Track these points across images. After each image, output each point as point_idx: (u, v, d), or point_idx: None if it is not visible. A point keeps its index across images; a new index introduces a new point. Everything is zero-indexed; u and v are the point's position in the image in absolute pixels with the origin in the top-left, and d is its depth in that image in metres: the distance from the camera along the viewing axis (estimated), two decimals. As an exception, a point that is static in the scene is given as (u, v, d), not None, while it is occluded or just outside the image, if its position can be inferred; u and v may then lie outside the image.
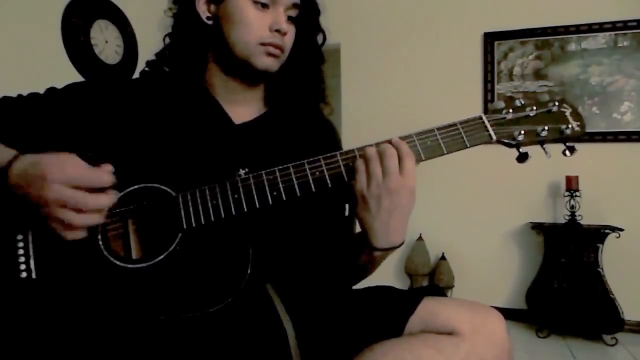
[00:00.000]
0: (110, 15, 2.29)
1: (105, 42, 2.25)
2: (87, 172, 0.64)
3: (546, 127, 0.71)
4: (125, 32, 2.37)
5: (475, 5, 2.91)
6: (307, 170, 0.70)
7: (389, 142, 0.71)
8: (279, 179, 0.70)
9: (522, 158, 0.72)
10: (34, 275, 0.69)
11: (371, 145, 0.71)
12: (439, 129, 0.72)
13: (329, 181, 0.70)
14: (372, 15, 3.11)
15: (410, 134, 0.72)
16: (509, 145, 0.73)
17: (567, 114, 0.72)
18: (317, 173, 0.70)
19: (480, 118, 0.73)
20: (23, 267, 0.69)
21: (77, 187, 0.63)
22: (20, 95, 0.83)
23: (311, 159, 0.71)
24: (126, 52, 2.37)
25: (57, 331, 0.66)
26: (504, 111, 0.72)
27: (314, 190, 0.70)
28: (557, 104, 0.72)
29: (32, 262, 0.69)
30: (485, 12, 2.89)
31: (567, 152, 0.72)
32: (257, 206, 0.69)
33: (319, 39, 0.91)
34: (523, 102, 0.73)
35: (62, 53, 2.06)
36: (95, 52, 2.18)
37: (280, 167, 0.71)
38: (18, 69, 1.76)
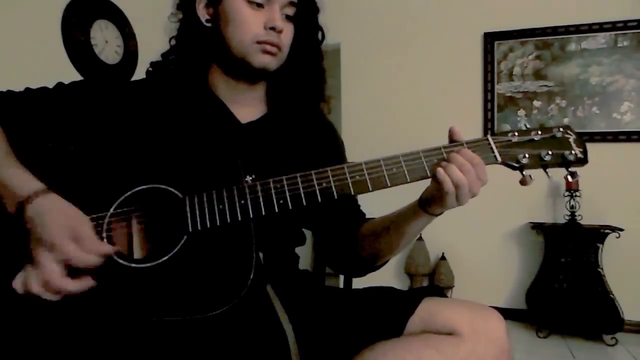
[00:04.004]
0: (110, 15, 2.28)
1: (105, 42, 2.25)
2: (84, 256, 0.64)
3: (550, 152, 0.72)
4: (125, 32, 2.37)
5: (475, 5, 2.91)
6: (314, 180, 0.71)
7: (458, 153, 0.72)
8: (286, 187, 0.70)
9: (525, 181, 0.73)
10: None
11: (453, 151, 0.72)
12: (445, 147, 0.73)
13: (335, 193, 0.71)
14: (372, 15, 3.11)
15: (417, 150, 0.72)
16: (513, 168, 0.74)
17: (571, 140, 0.73)
18: (324, 184, 0.71)
19: (487, 139, 0.74)
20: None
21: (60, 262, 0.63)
22: (28, 89, 0.83)
23: (319, 170, 0.71)
24: (126, 52, 2.37)
25: (57, 327, 0.66)
26: (509, 134, 0.74)
27: (320, 200, 0.70)
28: (561, 129, 0.74)
29: None
30: (485, 12, 2.89)
31: (569, 177, 0.74)
32: (263, 213, 0.69)
33: (318, 37, 0.92)
34: (528, 126, 0.75)
35: (62, 53, 2.06)
36: (95, 52, 2.18)
37: (288, 176, 0.71)
38: (18, 69, 1.76)
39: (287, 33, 0.85)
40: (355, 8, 3.10)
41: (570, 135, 0.74)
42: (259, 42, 0.81)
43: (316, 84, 0.92)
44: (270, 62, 0.83)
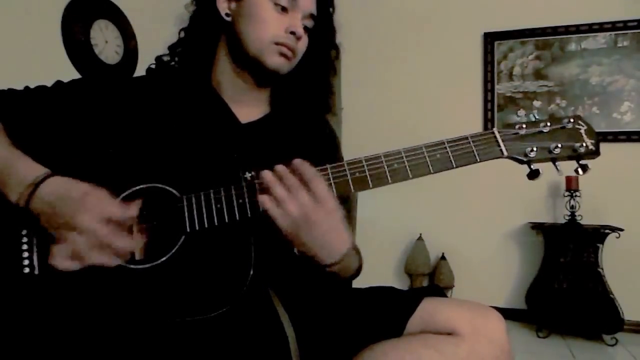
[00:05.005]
0: (110, 15, 2.28)
1: (105, 42, 2.25)
2: (119, 212, 0.66)
3: (559, 145, 0.69)
4: (125, 32, 2.36)
5: (475, 5, 2.91)
6: None
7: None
8: None
9: (533, 175, 0.70)
10: (36, 271, 0.68)
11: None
12: (449, 141, 0.70)
13: (334, 190, 0.69)
14: (372, 16, 3.11)
15: (419, 145, 0.70)
16: (520, 162, 0.71)
17: (582, 131, 0.70)
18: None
19: (493, 132, 0.71)
20: (26, 262, 0.69)
21: (108, 222, 0.65)
22: (27, 88, 0.83)
23: (318, 167, 0.70)
24: (126, 52, 2.37)
25: (56, 328, 0.66)
26: (517, 126, 0.71)
27: None
28: (572, 120, 0.70)
29: (35, 257, 0.69)
30: (485, 12, 2.89)
31: (580, 171, 0.70)
32: (262, 211, 0.69)
33: (332, 53, 0.94)
34: (537, 117, 0.71)
35: (62, 53, 2.06)
36: (95, 52, 2.18)
37: None
38: (18, 69, 1.76)
39: (303, 42, 0.87)
40: (355, 8, 3.10)
41: (582, 126, 0.70)
42: (277, 43, 0.82)
43: (322, 94, 0.94)
44: (283, 65, 0.84)
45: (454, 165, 0.70)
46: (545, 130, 0.70)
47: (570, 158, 0.71)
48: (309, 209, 0.65)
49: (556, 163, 0.72)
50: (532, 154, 0.70)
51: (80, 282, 0.68)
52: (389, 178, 0.69)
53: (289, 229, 0.66)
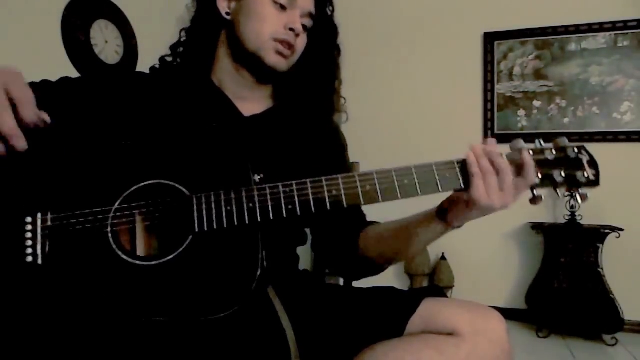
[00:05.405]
0: (110, 15, 2.28)
1: (105, 42, 2.25)
2: (26, 94, 0.66)
3: (562, 173, 0.71)
4: (125, 32, 2.36)
5: (475, 5, 2.91)
6: (325, 187, 0.69)
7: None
8: (295, 192, 0.69)
9: (536, 200, 0.72)
10: (39, 261, 0.68)
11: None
12: (459, 162, 0.71)
13: (344, 202, 0.69)
14: (372, 15, 3.11)
15: (429, 163, 0.70)
16: None
17: (585, 161, 0.71)
18: (334, 192, 0.69)
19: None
20: (29, 251, 0.68)
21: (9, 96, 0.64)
22: (32, 83, 0.83)
23: (329, 177, 0.70)
24: (126, 52, 2.37)
25: (55, 319, 0.66)
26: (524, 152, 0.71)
27: (329, 208, 0.69)
28: (575, 150, 0.72)
29: (39, 247, 0.69)
30: (485, 12, 2.89)
31: (579, 199, 0.72)
32: (271, 217, 0.68)
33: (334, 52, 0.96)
34: (543, 145, 0.72)
35: (62, 53, 2.06)
36: (95, 52, 2.18)
37: (297, 181, 0.70)
38: (18, 69, 1.76)
39: (302, 40, 0.88)
40: (354, 8, 3.10)
41: (584, 156, 0.71)
42: (276, 40, 0.84)
43: (326, 93, 0.95)
44: (281, 63, 0.86)
45: (462, 187, 0.71)
46: (551, 158, 0.71)
47: (570, 185, 0.72)
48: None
49: (557, 189, 0.73)
50: (537, 181, 0.71)
51: (83, 274, 0.68)
52: (399, 194, 0.70)
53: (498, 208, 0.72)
